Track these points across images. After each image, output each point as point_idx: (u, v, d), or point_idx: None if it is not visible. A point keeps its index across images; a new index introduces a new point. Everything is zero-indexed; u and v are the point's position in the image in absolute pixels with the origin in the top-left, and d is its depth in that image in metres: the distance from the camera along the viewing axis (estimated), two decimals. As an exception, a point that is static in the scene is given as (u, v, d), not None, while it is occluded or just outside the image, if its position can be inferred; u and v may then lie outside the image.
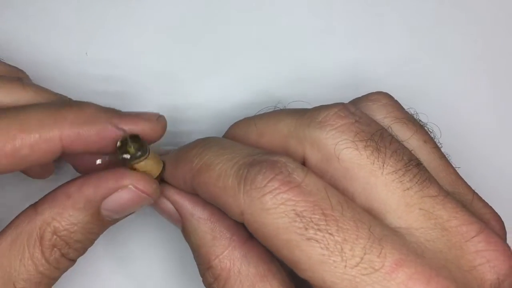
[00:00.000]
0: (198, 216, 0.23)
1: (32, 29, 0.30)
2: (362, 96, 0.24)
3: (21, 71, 0.25)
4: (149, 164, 0.23)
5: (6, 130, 0.20)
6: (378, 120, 0.22)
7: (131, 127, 0.22)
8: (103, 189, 0.22)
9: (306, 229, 0.18)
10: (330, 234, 0.18)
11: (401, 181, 0.19)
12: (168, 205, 0.23)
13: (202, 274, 0.22)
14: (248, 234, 0.22)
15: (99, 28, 0.30)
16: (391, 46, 0.31)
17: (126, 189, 0.22)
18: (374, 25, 0.31)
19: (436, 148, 0.23)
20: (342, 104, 0.22)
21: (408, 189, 0.19)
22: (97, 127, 0.22)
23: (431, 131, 0.24)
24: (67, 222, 0.21)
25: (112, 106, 0.29)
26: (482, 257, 0.19)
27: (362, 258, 0.18)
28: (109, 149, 0.22)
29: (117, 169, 0.22)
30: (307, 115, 0.22)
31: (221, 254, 0.22)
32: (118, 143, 0.22)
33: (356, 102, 0.24)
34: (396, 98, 0.24)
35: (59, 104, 0.22)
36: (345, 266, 0.18)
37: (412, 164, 0.20)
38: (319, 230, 0.18)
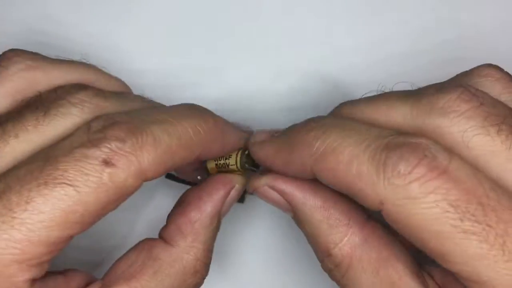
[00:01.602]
0: (311, 204, 0.21)
1: (31, 29, 0.30)
2: (468, 72, 0.21)
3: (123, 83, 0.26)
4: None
5: (170, 150, 0.20)
6: (495, 96, 0.20)
7: (238, 142, 0.24)
8: (219, 202, 0.23)
9: (462, 220, 0.17)
10: (489, 226, 0.16)
11: None
12: (275, 195, 0.22)
13: (321, 260, 0.22)
14: (365, 218, 0.21)
15: (96, 31, 0.30)
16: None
17: (233, 189, 0.23)
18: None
19: None
20: (461, 86, 0.19)
21: None
22: (225, 141, 0.23)
23: None
24: (203, 244, 0.22)
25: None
26: None
27: None
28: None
29: (220, 177, 0.24)
30: (424, 101, 0.19)
31: (340, 242, 0.21)
32: (239, 155, 0.24)
33: (462, 78, 0.21)
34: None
35: (197, 114, 0.22)
36: (507, 261, 0.16)
37: None
38: (476, 221, 0.16)
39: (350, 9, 0.31)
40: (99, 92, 0.22)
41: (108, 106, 0.21)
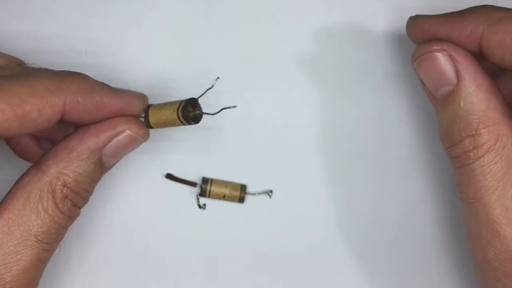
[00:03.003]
0: (478, 83, 0.22)
1: (32, 29, 0.30)
2: None
3: (19, 60, 0.26)
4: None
5: (17, 94, 0.21)
6: None
7: (121, 104, 0.24)
8: (103, 138, 0.23)
9: None
10: None
11: None
12: (446, 63, 0.23)
13: (457, 142, 0.23)
14: None
15: (99, 28, 0.30)
16: None
17: (123, 133, 0.24)
18: None
19: None
20: None
21: None
22: (95, 99, 0.23)
23: None
24: (74, 173, 0.23)
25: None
26: None
27: None
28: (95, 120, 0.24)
29: (113, 119, 0.24)
30: None
31: (492, 125, 0.22)
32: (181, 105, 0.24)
33: None
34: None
35: (63, 73, 0.23)
36: None
37: None
38: None
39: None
40: None
41: None
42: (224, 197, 0.29)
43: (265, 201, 0.30)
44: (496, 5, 0.23)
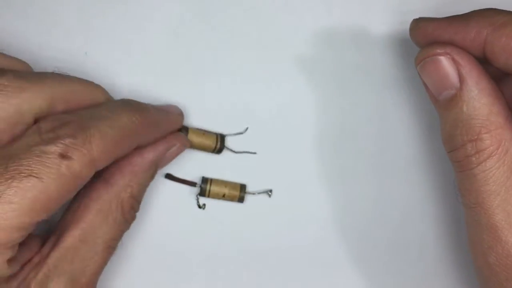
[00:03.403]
0: (481, 87, 0.22)
1: (32, 29, 0.30)
2: None
3: (24, 62, 0.26)
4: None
5: (117, 137, 0.24)
6: None
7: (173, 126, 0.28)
8: (160, 152, 0.27)
9: None
10: None
11: None
12: (449, 66, 0.23)
13: (459, 146, 0.23)
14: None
15: (99, 28, 0.30)
16: None
17: (175, 146, 0.28)
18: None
19: None
20: None
21: None
22: (159, 128, 0.27)
23: None
24: (138, 185, 0.26)
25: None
26: None
27: None
28: None
29: (168, 136, 0.28)
30: None
31: (494, 130, 0.22)
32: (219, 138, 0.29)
33: None
34: None
35: (130, 108, 0.25)
36: None
37: None
38: None
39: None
40: (19, 74, 0.23)
41: (31, 87, 0.23)
42: (223, 197, 0.29)
43: (265, 201, 0.30)
44: (500, 7, 0.23)
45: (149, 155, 0.26)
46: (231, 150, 0.29)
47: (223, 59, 0.30)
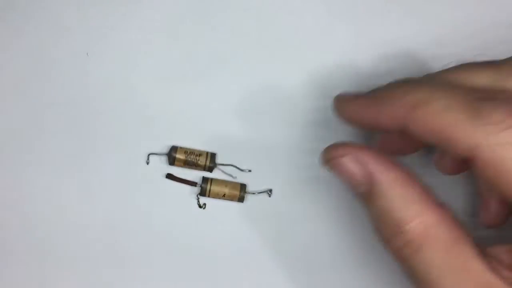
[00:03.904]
0: (392, 178, 0.22)
1: (33, 29, 0.30)
2: None
3: None
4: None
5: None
6: None
7: None
8: None
9: None
10: None
11: None
12: (354, 167, 0.22)
13: (388, 240, 0.22)
14: (438, 200, 0.22)
15: (100, 29, 0.30)
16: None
17: None
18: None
19: None
20: None
21: None
22: None
23: None
24: None
25: (113, 106, 0.29)
26: None
27: None
28: None
29: None
30: (506, 66, 0.21)
31: (415, 220, 0.21)
32: (209, 155, 0.29)
33: None
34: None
35: None
36: None
37: None
38: None
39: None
40: None
41: None
42: (224, 196, 0.29)
43: (265, 200, 0.30)
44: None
45: None
46: (223, 171, 0.30)
47: (223, 59, 0.30)
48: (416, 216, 0.21)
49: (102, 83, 0.30)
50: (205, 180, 0.29)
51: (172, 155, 0.29)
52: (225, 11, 0.31)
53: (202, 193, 0.29)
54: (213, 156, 0.29)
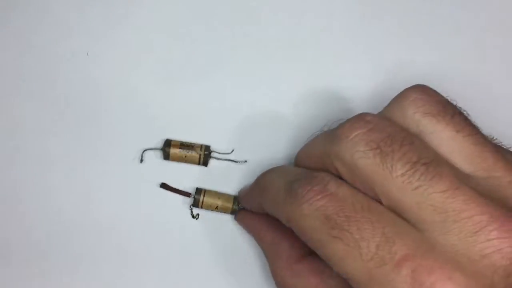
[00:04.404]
0: (263, 239, 0.27)
1: (33, 29, 0.30)
2: (396, 96, 0.24)
3: None
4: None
5: None
6: (408, 116, 0.23)
7: None
8: None
9: (333, 228, 0.21)
10: (350, 233, 0.21)
11: (409, 182, 0.21)
12: (246, 228, 0.29)
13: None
14: (302, 254, 0.25)
15: (100, 29, 0.30)
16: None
17: None
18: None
19: (471, 135, 0.23)
20: (359, 114, 0.23)
21: (416, 188, 0.21)
22: None
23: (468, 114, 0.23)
24: None
25: (113, 106, 0.29)
26: (492, 245, 0.19)
27: (375, 253, 0.20)
28: None
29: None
30: (331, 133, 0.24)
31: (280, 272, 0.25)
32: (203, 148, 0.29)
33: (392, 101, 0.25)
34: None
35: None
36: (362, 259, 0.20)
37: (421, 163, 0.21)
38: (342, 230, 0.21)
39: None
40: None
41: None
42: (216, 209, 0.29)
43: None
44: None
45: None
46: (217, 158, 0.30)
47: (223, 59, 0.30)
48: (281, 269, 0.26)
49: (102, 83, 0.30)
50: (198, 191, 0.29)
51: (166, 151, 0.29)
52: (225, 11, 0.31)
53: (195, 204, 0.29)
54: (207, 147, 0.29)
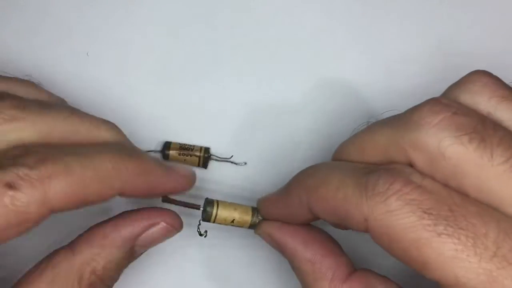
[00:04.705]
0: (300, 256, 0.23)
1: (33, 30, 0.30)
2: (458, 81, 0.22)
3: (61, 98, 0.25)
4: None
5: (83, 179, 0.20)
6: (482, 102, 0.21)
7: (174, 184, 0.24)
8: (138, 228, 0.23)
9: (436, 225, 0.18)
10: (461, 228, 0.18)
11: None
12: (274, 243, 0.24)
13: None
14: (348, 272, 0.22)
15: (100, 29, 0.30)
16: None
17: (158, 225, 0.23)
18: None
19: None
20: (433, 98, 0.20)
21: None
22: (151, 180, 0.23)
23: None
24: (105, 260, 0.22)
25: (113, 106, 0.29)
26: None
27: (495, 252, 0.17)
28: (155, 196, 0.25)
29: (149, 209, 0.24)
30: (401, 120, 0.21)
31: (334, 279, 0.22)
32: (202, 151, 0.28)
33: (453, 88, 0.22)
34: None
35: (123, 152, 0.22)
36: (480, 260, 0.17)
37: None
38: (448, 225, 0.18)
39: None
40: (18, 103, 0.21)
41: (26, 118, 0.21)
42: (232, 223, 0.25)
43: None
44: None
45: (124, 229, 0.23)
46: (216, 158, 0.29)
47: (223, 59, 0.30)
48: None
49: (102, 83, 0.30)
50: (209, 202, 0.25)
51: (165, 153, 0.29)
52: (225, 11, 0.31)
53: (207, 218, 0.25)
54: (207, 149, 0.29)
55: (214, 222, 0.25)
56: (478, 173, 0.19)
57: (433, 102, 0.20)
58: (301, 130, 0.30)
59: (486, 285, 0.17)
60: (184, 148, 0.29)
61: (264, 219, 0.25)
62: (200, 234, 0.26)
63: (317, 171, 0.22)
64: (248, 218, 0.25)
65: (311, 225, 0.24)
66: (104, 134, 0.23)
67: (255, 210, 0.25)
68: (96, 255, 0.22)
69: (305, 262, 0.23)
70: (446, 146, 0.19)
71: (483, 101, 0.20)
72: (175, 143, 0.29)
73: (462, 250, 0.17)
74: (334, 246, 0.23)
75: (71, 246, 0.22)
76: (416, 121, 0.20)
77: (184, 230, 0.24)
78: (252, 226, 0.25)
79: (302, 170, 0.23)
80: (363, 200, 0.19)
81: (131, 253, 0.23)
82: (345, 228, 0.21)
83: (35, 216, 0.19)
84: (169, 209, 0.24)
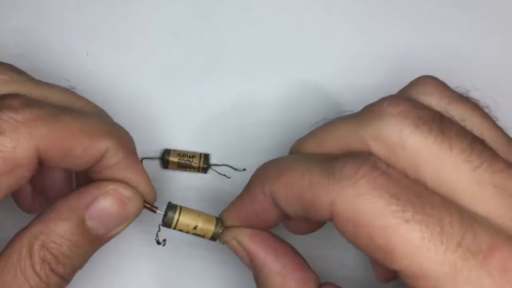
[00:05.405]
0: (269, 268, 0.22)
1: (33, 29, 0.30)
2: (409, 84, 0.22)
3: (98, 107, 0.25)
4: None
5: (69, 128, 0.21)
6: (435, 101, 0.21)
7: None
8: (85, 197, 0.22)
9: (404, 211, 0.18)
10: (428, 215, 0.17)
11: (469, 161, 0.18)
12: (241, 251, 0.23)
13: None
14: (316, 286, 0.22)
15: (100, 29, 0.30)
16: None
17: (108, 194, 0.22)
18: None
19: (494, 122, 0.21)
20: (391, 95, 0.21)
21: (477, 167, 0.18)
22: (129, 160, 0.23)
23: (486, 106, 0.22)
24: (54, 234, 0.21)
25: (113, 106, 0.29)
26: None
27: (460, 243, 0.17)
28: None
29: (100, 180, 0.22)
30: (361, 113, 0.21)
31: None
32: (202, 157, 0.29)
33: (405, 90, 0.22)
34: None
35: (112, 122, 0.23)
36: (446, 250, 0.17)
37: (477, 142, 0.19)
38: (416, 212, 0.18)
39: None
40: (16, 68, 0.22)
41: (22, 80, 0.22)
42: (194, 230, 0.23)
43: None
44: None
45: (71, 198, 0.22)
46: (217, 172, 0.29)
47: (223, 59, 0.30)
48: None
49: (102, 83, 0.30)
50: (172, 207, 0.23)
51: (165, 158, 0.29)
52: (225, 11, 0.31)
53: (167, 223, 0.23)
54: (206, 156, 0.29)
55: (174, 228, 0.23)
56: (437, 163, 0.19)
57: (391, 97, 0.20)
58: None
59: (450, 277, 0.17)
60: (184, 155, 0.29)
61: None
62: (158, 243, 0.24)
63: (279, 162, 0.22)
64: (211, 227, 0.23)
65: (281, 238, 0.23)
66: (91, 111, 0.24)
67: (219, 221, 0.23)
68: (44, 228, 0.21)
69: (274, 275, 0.22)
70: (406, 136, 0.19)
71: (435, 100, 0.21)
72: (175, 150, 0.29)
73: (429, 239, 0.17)
74: (302, 261, 0.23)
75: (28, 225, 0.22)
76: (377, 112, 0.20)
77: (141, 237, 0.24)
78: (214, 237, 0.23)
79: (262, 164, 0.23)
80: (330, 184, 0.19)
81: (84, 229, 0.21)
82: (308, 222, 0.22)
83: (23, 161, 0.19)
84: (124, 182, 0.22)
